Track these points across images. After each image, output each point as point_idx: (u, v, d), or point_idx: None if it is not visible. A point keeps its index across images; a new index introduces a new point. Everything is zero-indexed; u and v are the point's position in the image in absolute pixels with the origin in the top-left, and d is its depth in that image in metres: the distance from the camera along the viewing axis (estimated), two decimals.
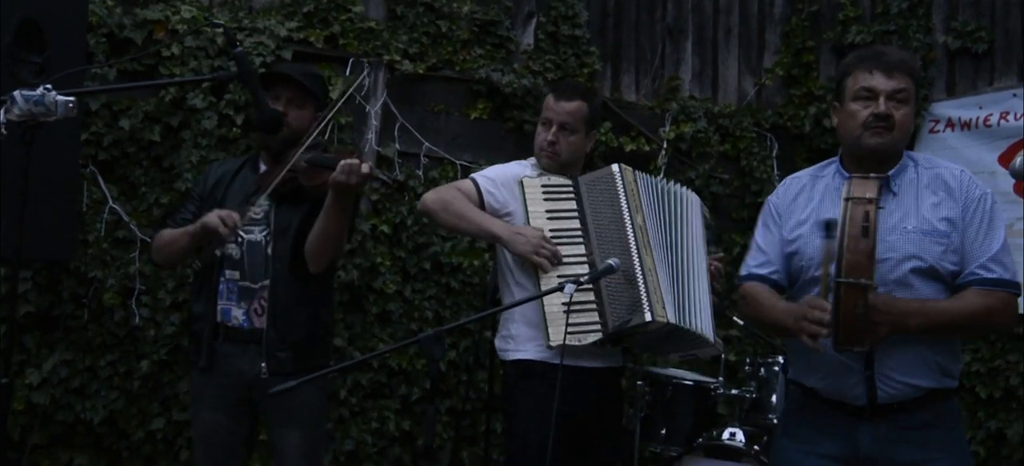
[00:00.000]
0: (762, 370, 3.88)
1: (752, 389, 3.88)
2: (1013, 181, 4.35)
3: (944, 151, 4.69)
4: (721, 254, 3.12)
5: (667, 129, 5.03)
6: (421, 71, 4.53)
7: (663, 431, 3.98)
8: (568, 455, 2.82)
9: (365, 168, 2.65)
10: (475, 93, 4.66)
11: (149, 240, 3.84)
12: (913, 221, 2.29)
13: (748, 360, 4.04)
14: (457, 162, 4.55)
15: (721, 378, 4.03)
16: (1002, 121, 4.49)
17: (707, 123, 5.06)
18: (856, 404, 2.30)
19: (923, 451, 2.26)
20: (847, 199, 2.12)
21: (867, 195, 2.11)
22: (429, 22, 4.59)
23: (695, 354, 2.87)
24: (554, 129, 2.93)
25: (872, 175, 2.19)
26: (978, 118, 4.60)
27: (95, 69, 3.78)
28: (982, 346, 4.46)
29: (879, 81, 2.30)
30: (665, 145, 5.00)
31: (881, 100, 2.29)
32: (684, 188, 3.01)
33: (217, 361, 2.81)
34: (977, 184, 2.34)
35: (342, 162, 2.66)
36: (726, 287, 3.46)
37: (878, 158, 2.33)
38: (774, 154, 5.20)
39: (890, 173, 2.34)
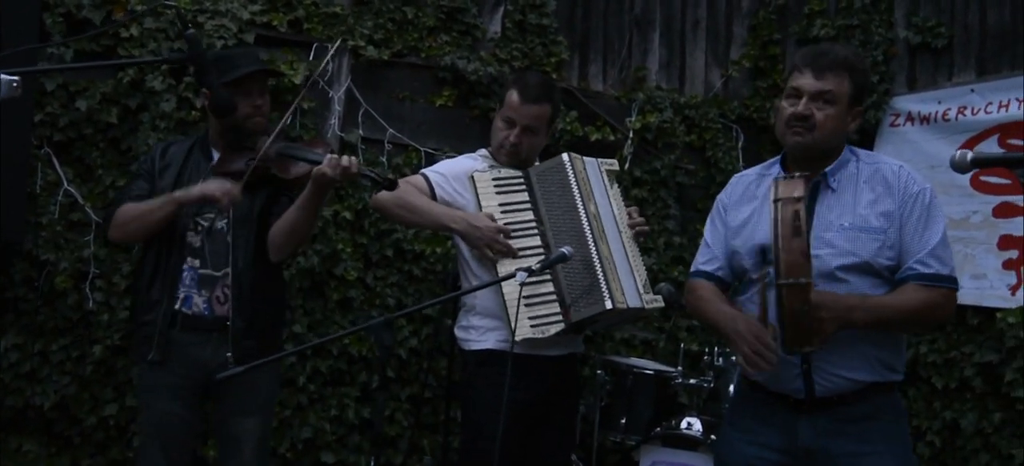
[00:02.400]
0: (720, 359, 3.91)
1: (710, 379, 3.91)
2: (970, 175, 4.41)
3: (904, 144, 4.73)
4: (635, 206, 3.12)
5: (633, 119, 5.03)
6: (386, 57, 4.49)
7: (623, 420, 4.00)
8: (524, 442, 2.83)
9: (354, 166, 2.63)
10: (440, 80, 4.63)
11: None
12: (849, 218, 2.32)
13: (707, 350, 4.07)
14: (421, 149, 4.52)
15: (680, 367, 4.05)
16: (960, 116, 4.53)
17: (673, 114, 5.07)
18: (796, 397, 2.33)
19: (862, 443, 2.29)
20: (776, 201, 2.15)
21: (794, 194, 2.14)
22: (395, 8, 4.56)
23: (647, 317, 2.91)
24: (518, 131, 2.92)
25: (797, 175, 2.22)
26: (937, 113, 4.64)
27: (51, 48, 3.71)
28: (939, 337, 4.51)
29: (806, 81, 2.33)
30: (631, 135, 5.01)
31: (803, 101, 2.32)
32: (595, 162, 3.00)
33: (172, 350, 2.76)
34: (915, 180, 2.36)
35: (329, 157, 2.63)
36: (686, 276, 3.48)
37: (803, 157, 2.36)
38: (740, 145, 5.22)
39: (827, 169, 2.37)
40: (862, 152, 2.47)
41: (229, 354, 2.75)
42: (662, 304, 2.90)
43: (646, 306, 2.81)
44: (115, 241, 3.14)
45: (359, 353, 4.28)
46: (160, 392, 2.78)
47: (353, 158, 2.66)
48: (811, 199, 2.33)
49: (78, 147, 3.87)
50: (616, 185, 3.03)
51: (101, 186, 3.86)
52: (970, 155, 2.07)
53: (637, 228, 2.97)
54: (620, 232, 2.92)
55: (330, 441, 4.21)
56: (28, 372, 3.73)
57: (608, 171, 3.03)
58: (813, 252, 2.19)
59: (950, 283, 2.30)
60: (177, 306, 2.77)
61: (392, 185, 2.72)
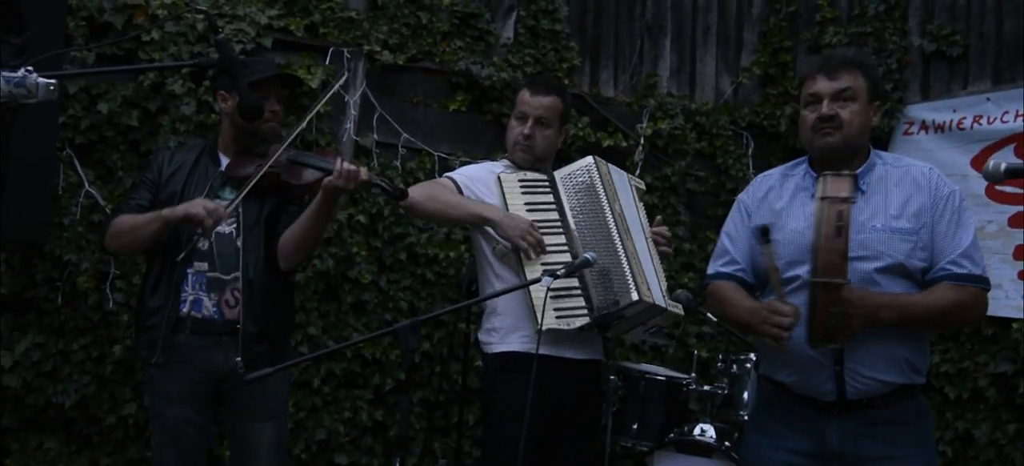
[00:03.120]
0: (734, 367, 3.92)
1: (723, 386, 3.92)
2: (985, 184, 4.42)
3: (917, 153, 4.74)
4: (660, 218, 3.23)
5: (644, 125, 5.06)
6: (401, 62, 4.53)
7: (635, 426, 4.02)
8: (545, 447, 2.86)
9: (363, 174, 2.64)
10: (454, 85, 4.67)
11: None
12: (881, 219, 2.34)
13: (721, 357, 4.08)
14: (435, 154, 4.56)
15: (693, 374, 4.07)
16: (975, 124, 4.55)
17: (684, 120, 5.10)
18: (825, 400, 2.33)
19: (890, 447, 2.30)
20: (822, 198, 2.16)
21: (841, 194, 2.15)
22: (409, 13, 4.59)
23: (660, 325, 2.94)
24: (530, 123, 2.99)
25: (846, 173, 2.23)
26: (952, 121, 4.66)
27: (74, 52, 3.75)
28: (952, 347, 4.52)
29: (822, 85, 2.38)
30: (642, 141, 5.03)
31: (825, 103, 2.36)
32: (621, 171, 3.12)
33: (179, 355, 2.76)
34: (946, 182, 2.39)
35: (340, 166, 2.64)
36: (699, 282, 3.51)
37: (833, 158, 2.37)
38: (750, 152, 5.25)
39: (858, 171, 2.39)
40: (888, 155, 2.50)
41: (238, 359, 2.72)
42: (682, 311, 2.94)
43: (669, 308, 2.84)
44: (110, 251, 3.14)
45: (373, 356, 4.31)
46: (171, 397, 2.79)
47: (363, 168, 2.67)
48: None
49: (99, 149, 3.90)
50: (642, 204, 3.11)
51: (121, 188, 3.89)
52: (1004, 165, 2.08)
53: (661, 247, 3.03)
54: (647, 240, 2.98)
55: (344, 443, 4.24)
56: (49, 371, 3.76)
57: (637, 188, 3.14)
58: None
59: (982, 283, 2.31)
60: (185, 310, 2.77)
61: (403, 194, 2.75)
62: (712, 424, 3.83)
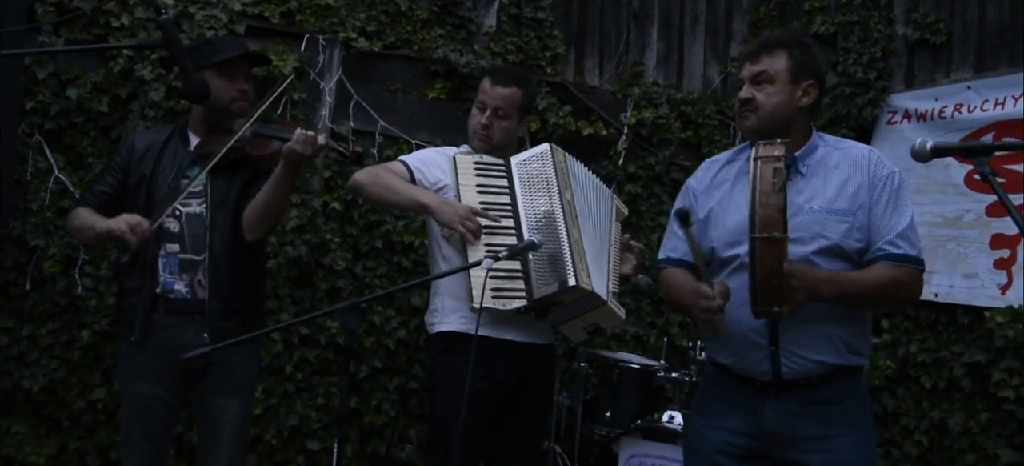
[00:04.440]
0: (702, 353, 3.90)
1: (691, 372, 3.91)
2: (964, 172, 4.37)
3: (901, 142, 4.69)
4: (628, 236, 3.21)
5: (628, 114, 5.03)
6: (378, 49, 4.52)
7: (608, 413, 4.01)
8: (490, 429, 2.85)
9: (321, 139, 2.68)
10: (433, 73, 4.65)
11: None
12: (819, 201, 2.34)
13: (690, 344, 4.07)
14: (413, 141, 4.54)
15: (663, 361, 4.06)
16: (956, 113, 4.49)
17: (669, 109, 5.06)
18: (762, 380, 2.34)
19: (826, 426, 2.30)
20: (755, 159, 2.16)
21: (774, 153, 2.14)
22: (388, 0, 4.58)
23: (598, 324, 2.91)
24: (488, 113, 3.00)
25: (778, 140, 2.22)
26: (934, 110, 4.60)
27: (42, 38, 3.77)
28: (928, 336, 4.47)
29: (745, 69, 2.45)
30: (626, 130, 5.00)
31: (744, 87, 2.42)
32: (602, 184, 3.16)
33: (154, 333, 2.80)
34: (885, 163, 2.39)
35: (298, 132, 2.67)
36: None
37: (759, 139, 2.34)
38: (737, 142, 5.19)
39: (797, 153, 2.39)
40: (831, 138, 2.49)
41: (206, 335, 2.78)
42: (623, 314, 2.92)
43: (609, 303, 2.81)
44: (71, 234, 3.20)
45: (352, 344, 4.30)
46: (142, 375, 2.82)
47: (321, 133, 2.70)
48: None
49: (69, 135, 3.92)
50: (619, 225, 3.14)
51: (91, 174, 3.91)
52: (930, 143, 2.10)
53: (633, 256, 3.06)
54: (608, 243, 2.98)
55: (317, 429, 4.24)
56: (17, 356, 3.79)
57: (617, 209, 3.17)
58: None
59: (917, 264, 2.32)
60: (158, 290, 2.81)
61: (359, 159, 2.78)
62: (680, 411, 3.82)
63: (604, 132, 4.96)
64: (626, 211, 3.26)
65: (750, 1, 5.42)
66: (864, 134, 4.81)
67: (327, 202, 4.32)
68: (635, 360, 4.17)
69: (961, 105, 4.47)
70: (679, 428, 3.69)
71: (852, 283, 2.28)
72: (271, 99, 2.92)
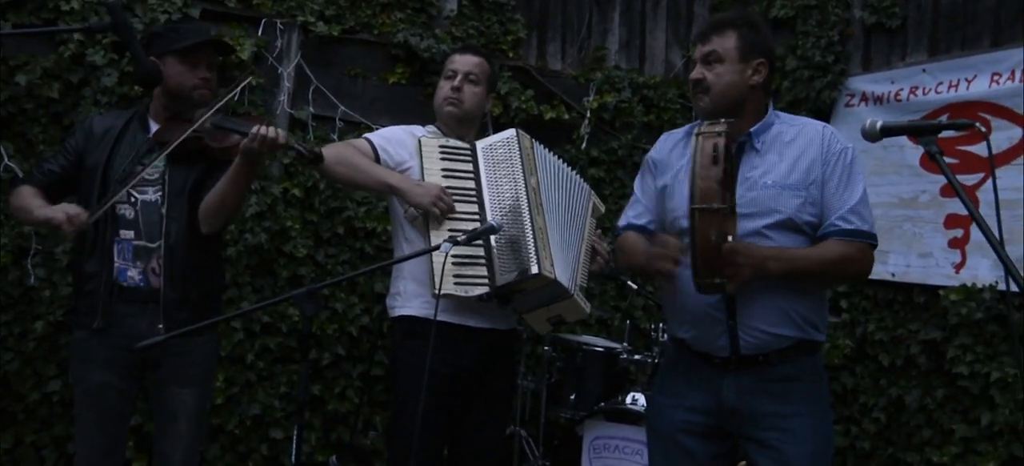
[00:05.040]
0: (665, 335, 3.92)
1: (654, 354, 3.93)
2: (920, 152, 4.43)
3: (859, 124, 4.69)
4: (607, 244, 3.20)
5: (591, 98, 5.03)
6: (337, 33, 4.47)
7: (573, 397, 4.02)
8: (451, 415, 2.84)
9: (280, 138, 2.63)
10: (393, 57, 4.61)
11: None
12: (772, 176, 2.36)
13: (652, 326, 4.09)
14: (374, 127, 4.48)
15: (626, 344, 4.07)
16: (911, 96, 4.55)
17: (632, 93, 5.08)
18: (721, 355, 2.36)
19: (784, 404, 2.33)
20: (698, 134, 2.19)
21: (716, 129, 2.18)
22: None
23: (561, 316, 2.90)
24: (459, 78, 2.99)
25: (723, 120, 2.26)
26: (890, 93, 4.66)
27: None
28: (886, 315, 4.55)
29: (697, 51, 2.47)
30: (588, 114, 5.01)
31: (696, 67, 2.44)
32: (580, 179, 3.11)
33: (107, 322, 2.76)
34: (839, 139, 2.41)
35: (255, 129, 2.62)
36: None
37: (712, 118, 2.38)
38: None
39: (752, 130, 2.41)
40: (786, 115, 2.52)
41: (161, 326, 2.75)
42: (588, 308, 2.90)
43: (574, 295, 2.79)
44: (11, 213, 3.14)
45: (310, 330, 4.26)
46: (96, 363, 2.78)
47: (280, 130, 2.66)
48: (736, 159, 2.37)
49: (19, 122, 3.83)
50: (594, 221, 3.12)
51: None
52: (880, 123, 2.12)
53: (598, 257, 3.03)
54: (577, 232, 2.97)
55: (279, 417, 4.21)
56: None
57: (594, 205, 3.15)
58: (739, 211, 2.26)
59: (869, 239, 2.35)
60: (114, 277, 2.76)
61: (318, 158, 2.73)
62: (644, 393, 3.84)
63: (567, 116, 4.96)
64: (603, 208, 3.22)
65: None
66: (823, 116, 4.85)
67: (287, 189, 4.27)
68: (599, 343, 4.19)
69: (916, 88, 4.54)
70: (642, 409, 3.71)
71: (801, 259, 2.30)
72: (230, 94, 2.88)
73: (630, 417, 3.73)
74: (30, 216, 2.76)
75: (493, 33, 4.86)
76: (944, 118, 4.36)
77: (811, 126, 2.44)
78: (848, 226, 2.31)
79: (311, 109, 4.40)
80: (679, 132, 2.63)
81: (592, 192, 3.17)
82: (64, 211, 2.67)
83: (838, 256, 2.31)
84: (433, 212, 2.75)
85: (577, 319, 3.04)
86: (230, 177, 2.73)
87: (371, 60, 4.60)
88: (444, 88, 3.02)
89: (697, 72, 2.43)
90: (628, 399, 3.80)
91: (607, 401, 3.87)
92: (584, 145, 5.00)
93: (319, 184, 4.34)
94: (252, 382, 4.17)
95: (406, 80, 4.62)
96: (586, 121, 5.02)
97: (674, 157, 2.55)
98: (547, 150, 3.04)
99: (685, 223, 2.39)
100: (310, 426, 4.28)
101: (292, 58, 4.36)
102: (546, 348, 4.12)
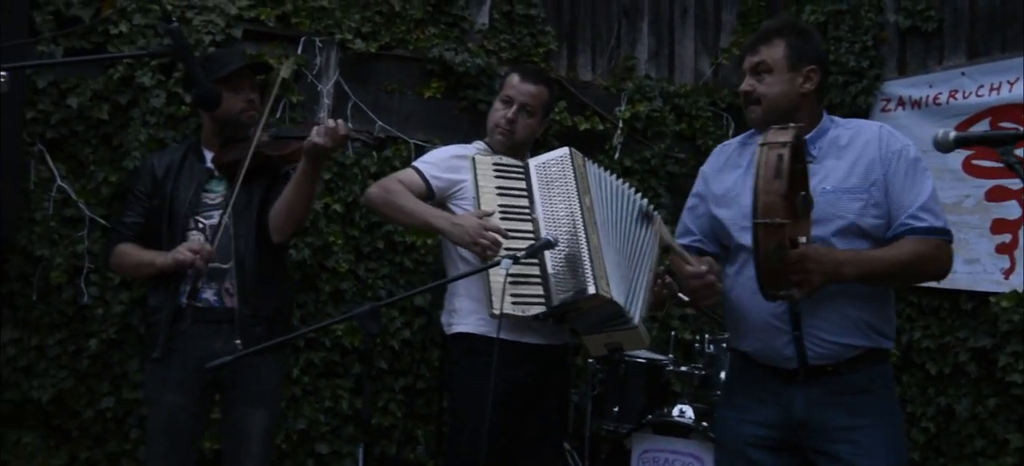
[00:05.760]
0: (710, 347, 3.93)
1: (701, 366, 3.93)
2: (962, 158, 4.42)
3: (897, 130, 4.72)
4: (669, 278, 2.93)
5: (623, 108, 5.05)
6: (374, 50, 4.51)
7: (616, 409, 4.02)
8: (510, 430, 2.85)
9: (342, 129, 2.69)
10: (428, 72, 4.65)
11: (99, 220, 3.85)
12: (831, 181, 2.33)
13: (697, 337, 4.09)
14: (410, 141, 4.55)
15: (671, 355, 4.08)
16: (951, 99, 4.53)
17: (663, 102, 5.09)
18: (788, 367, 2.33)
19: (856, 416, 2.28)
20: (763, 144, 2.15)
21: (781, 139, 2.12)
22: (382, 1, 4.58)
23: (621, 345, 2.79)
24: (515, 108, 2.98)
25: (791, 125, 2.20)
26: (928, 97, 4.64)
27: (41, 47, 3.74)
28: (932, 322, 4.51)
29: (746, 61, 2.45)
30: (621, 124, 5.02)
31: (746, 79, 2.43)
32: (643, 198, 2.89)
33: (180, 345, 2.80)
34: (896, 137, 2.37)
35: (318, 125, 2.69)
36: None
37: (762, 131, 2.35)
38: (730, 133, 5.23)
39: (807, 137, 2.37)
40: (842, 119, 2.48)
41: (238, 341, 2.79)
42: (647, 337, 2.69)
43: (634, 320, 2.64)
44: (113, 271, 3.23)
45: (352, 344, 4.31)
46: (168, 386, 2.81)
47: (340, 121, 2.72)
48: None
49: (70, 143, 3.90)
50: (655, 229, 2.81)
51: (93, 182, 3.90)
52: (953, 134, 2.08)
53: (659, 284, 2.71)
54: (644, 268, 2.72)
55: (324, 432, 4.24)
56: (26, 366, 3.76)
57: (661, 236, 2.77)
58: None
59: (945, 235, 2.29)
60: (185, 300, 2.81)
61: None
62: (691, 405, 3.84)
63: (601, 127, 4.98)
64: (670, 239, 2.72)
65: None
66: None
67: (328, 204, 4.32)
68: (641, 354, 4.19)
69: (956, 91, 4.52)
70: (690, 422, 3.71)
71: (875, 260, 2.24)
72: (272, 97, 2.96)
73: (679, 430, 3.72)
74: (152, 268, 2.83)
75: (524, 45, 4.89)
76: (987, 121, 4.34)
77: (867, 127, 2.40)
78: (920, 224, 2.26)
79: (350, 125, 4.42)
80: (732, 144, 2.61)
81: (660, 220, 2.81)
82: (189, 249, 2.75)
83: (913, 255, 2.25)
84: (476, 251, 2.75)
85: (635, 348, 2.89)
86: (296, 181, 2.79)
87: (407, 75, 4.64)
88: (499, 112, 3.01)
89: (747, 84, 2.42)
90: (676, 411, 3.80)
91: (652, 413, 3.87)
92: (617, 155, 5.01)
93: (359, 199, 4.37)
94: (298, 397, 4.20)
95: (441, 94, 4.66)
96: (619, 131, 5.03)
97: (728, 168, 2.54)
98: (601, 169, 2.97)
99: (740, 238, 2.40)
100: (353, 440, 4.32)
101: (331, 75, 4.41)
102: (590, 360, 4.13)
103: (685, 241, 2.56)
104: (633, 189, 2.92)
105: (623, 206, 2.89)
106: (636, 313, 2.66)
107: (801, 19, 5.16)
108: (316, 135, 2.66)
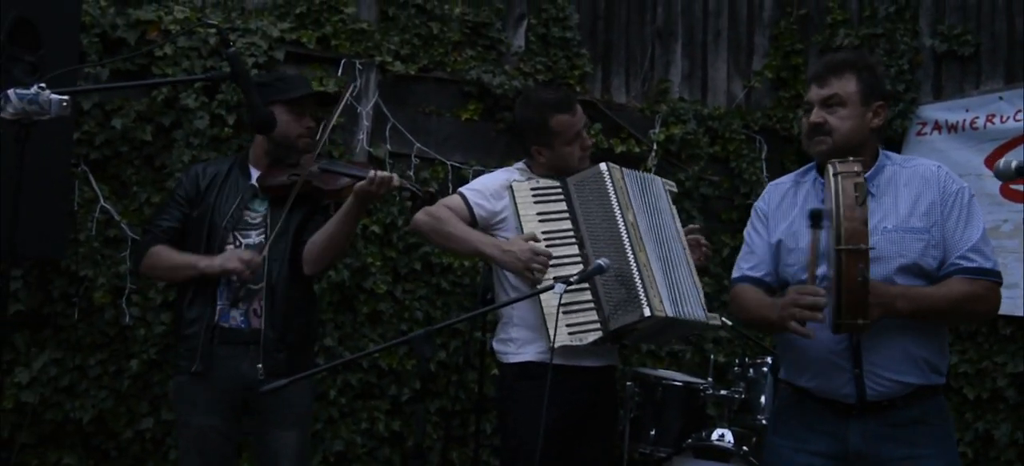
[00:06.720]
0: (751, 371, 3.91)
1: (741, 390, 3.91)
2: (999, 183, 4.40)
3: (931, 153, 4.71)
4: (696, 226, 3.19)
5: (657, 131, 5.05)
6: (412, 72, 4.54)
7: (652, 432, 4.00)
8: (563, 455, 2.85)
9: (395, 180, 2.72)
10: (466, 94, 4.68)
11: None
12: (892, 220, 2.35)
13: (737, 361, 4.07)
14: (448, 163, 4.56)
15: (710, 379, 4.05)
16: (988, 124, 4.53)
17: (697, 125, 5.09)
18: (846, 402, 2.33)
19: (912, 447, 2.30)
20: (836, 174, 2.16)
21: (854, 169, 2.16)
22: (421, 23, 4.61)
23: (691, 335, 2.90)
24: (586, 134, 3.07)
25: (852, 159, 2.24)
26: (965, 121, 4.64)
27: (88, 69, 3.78)
28: (969, 348, 4.49)
29: (813, 92, 2.43)
30: (655, 147, 5.03)
31: (814, 111, 2.41)
32: (649, 175, 3.11)
33: (212, 364, 2.81)
34: (954, 179, 2.39)
35: (372, 173, 2.72)
36: (714, 288, 3.42)
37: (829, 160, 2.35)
38: (763, 156, 5.23)
39: (866, 175, 2.36)
40: (896, 156, 2.50)
41: (260, 366, 2.80)
42: (718, 320, 2.89)
43: (687, 317, 2.78)
44: (141, 275, 3.19)
45: (389, 366, 4.31)
46: (198, 406, 2.82)
47: (395, 174, 2.76)
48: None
49: (114, 165, 3.93)
50: (674, 207, 3.10)
51: (136, 202, 3.93)
52: (1015, 163, 2.10)
53: (698, 254, 3.01)
54: (680, 247, 2.96)
55: (361, 454, 4.24)
56: (67, 386, 3.78)
57: (669, 191, 3.13)
58: None
59: (994, 277, 2.32)
60: (216, 319, 2.82)
61: (431, 198, 2.79)
62: (730, 429, 3.82)
63: (636, 150, 4.99)
64: (674, 187, 3.21)
65: (772, 15, 5.46)
66: (894, 146, 4.83)
67: (367, 226, 4.33)
68: (678, 378, 4.17)
69: (993, 115, 4.51)
70: (730, 446, 3.69)
71: (927, 297, 2.28)
72: (329, 128, 2.97)
73: (719, 454, 3.70)
74: (194, 270, 2.82)
75: (560, 68, 4.91)
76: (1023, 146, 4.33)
77: (924, 166, 2.42)
78: (970, 264, 2.30)
79: (388, 147, 4.46)
80: (786, 181, 2.60)
81: (664, 181, 3.14)
82: (238, 259, 2.76)
83: (963, 295, 2.29)
84: (528, 277, 2.77)
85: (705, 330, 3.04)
86: (341, 218, 2.79)
87: (445, 97, 4.67)
88: (579, 150, 3.03)
89: (817, 115, 2.40)
90: (715, 435, 3.78)
91: (690, 437, 3.85)
92: None
93: (397, 220, 4.39)
94: (335, 418, 4.20)
95: (479, 116, 4.69)
96: (653, 153, 5.04)
97: (785, 208, 2.52)
98: (633, 174, 3.02)
99: (802, 275, 2.38)
100: (389, 462, 4.31)
101: (370, 97, 4.44)
102: (628, 383, 4.12)
103: (757, 273, 2.53)
104: (646, 173, 3.07)
105: (655, 205, 2.99)
106: (692, 312, 2.75)
107: (833, 43, 5.16)
108: (369, 183, 2.69)
